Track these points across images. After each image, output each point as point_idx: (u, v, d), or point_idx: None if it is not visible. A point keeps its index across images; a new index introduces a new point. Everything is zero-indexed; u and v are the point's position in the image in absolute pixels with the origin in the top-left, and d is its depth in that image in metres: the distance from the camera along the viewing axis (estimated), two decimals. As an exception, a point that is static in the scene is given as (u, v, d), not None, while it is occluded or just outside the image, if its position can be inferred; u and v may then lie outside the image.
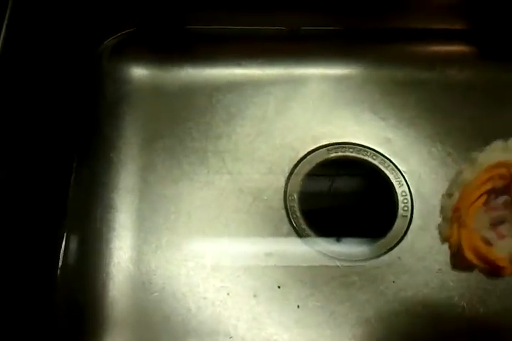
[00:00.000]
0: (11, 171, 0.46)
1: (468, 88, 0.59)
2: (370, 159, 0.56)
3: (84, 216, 0.52)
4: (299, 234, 0.52)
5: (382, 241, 0.52)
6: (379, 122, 0.57)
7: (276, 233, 0.52)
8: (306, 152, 0.55)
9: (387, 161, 0.55)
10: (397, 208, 0.53)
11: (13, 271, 0.45)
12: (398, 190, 0.54)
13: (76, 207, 0.52)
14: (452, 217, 0.31)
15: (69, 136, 0.55)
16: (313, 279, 0.50)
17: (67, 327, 0.49)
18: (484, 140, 0.55)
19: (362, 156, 0.56)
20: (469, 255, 0.30)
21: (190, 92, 0.58)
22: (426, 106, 0.58)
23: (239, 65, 0.59)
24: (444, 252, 0.50)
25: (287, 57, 0.60)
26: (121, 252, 0.51)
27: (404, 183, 0.54)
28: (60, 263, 0.49)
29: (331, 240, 0.52)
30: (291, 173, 0.55)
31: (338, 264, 0.51)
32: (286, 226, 0.52)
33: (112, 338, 0.49)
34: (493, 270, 0.30)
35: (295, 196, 0.54)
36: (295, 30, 0.60)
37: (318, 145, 0.56)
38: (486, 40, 0.60)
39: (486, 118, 0.57)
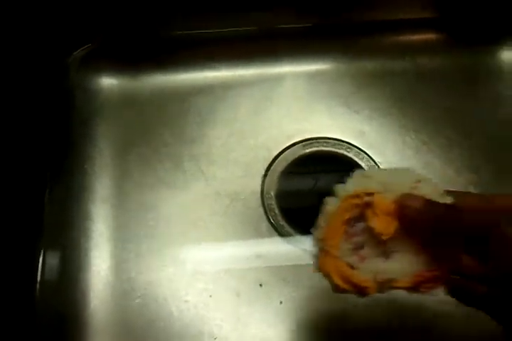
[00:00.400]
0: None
1: (440, 75, 0.59)
2: (344, 152, 0.56)
3: (61, 228, 0.52)
4: (279, 231, 0.52)
5: None
6: (353, 115, 0.58)
7: (255, 232, 0.52)
8: (280, 150, 0.56)
9: (362, 153, 0.56)
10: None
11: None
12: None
13: (53, 220, 0.53)
14: (320, 247, 0.34)
15: (41, 150, 0.55)
16: (294, 276, 0.50)
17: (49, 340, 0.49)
18: (458, 125, 0.56)
19: (337, 150, 0.56)
20: (338, 281, 0.34)
21: (162, 98, 0.58)
22: (400, 96, 0.58)
23: (211, 68, 0.60)
24: None
25: (259, 57, 0.60)
26: (101, 261, 0.51)
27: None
28: (38, 278, 0.50)
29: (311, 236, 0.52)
30: (266, 171, 0.55)
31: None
32: (265, 225, 0.53)
33: (95, 347, 0.49)
34: (360, 291, 0.33)
35: (272, 194, 0.54)
36: (266, 30, 0.60)
37: (292, 141, 0.56)
38: (455, 27, 0.60)
39: (459, 105, 0.58)
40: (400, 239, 0.34)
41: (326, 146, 0.56)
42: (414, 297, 0.34)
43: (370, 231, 0.34)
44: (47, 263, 0.51)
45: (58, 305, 0.49)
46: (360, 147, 0.56)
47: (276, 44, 0.60)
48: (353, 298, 0.33)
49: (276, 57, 0.60)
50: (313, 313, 0.49)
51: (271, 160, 0.55)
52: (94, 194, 0.54)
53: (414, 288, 0.33)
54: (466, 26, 0.60)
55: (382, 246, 0.34)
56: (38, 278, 0.50)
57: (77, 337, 0.49)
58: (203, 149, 0.56)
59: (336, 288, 0.34)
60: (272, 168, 0.55)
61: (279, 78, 0.59)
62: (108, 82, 0.59)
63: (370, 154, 0.56)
